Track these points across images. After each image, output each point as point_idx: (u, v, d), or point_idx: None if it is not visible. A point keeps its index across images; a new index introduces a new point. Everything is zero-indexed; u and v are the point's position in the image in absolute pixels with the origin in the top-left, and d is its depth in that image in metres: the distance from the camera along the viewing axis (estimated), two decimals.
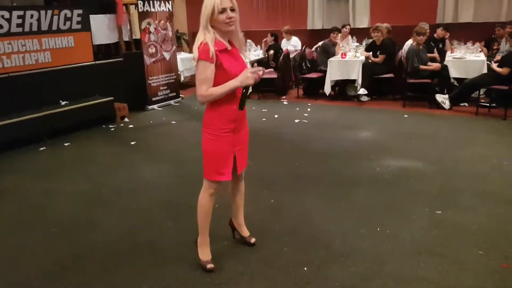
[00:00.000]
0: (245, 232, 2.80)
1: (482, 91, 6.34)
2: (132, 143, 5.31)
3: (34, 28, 5.53)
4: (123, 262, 2.68)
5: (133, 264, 2.66)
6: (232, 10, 2.22)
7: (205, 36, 2.21)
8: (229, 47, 2.30)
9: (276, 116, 6.42)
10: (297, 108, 6.89)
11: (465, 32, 7.79)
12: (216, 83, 2.24)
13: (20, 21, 5.36)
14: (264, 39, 8.42)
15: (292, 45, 8.56)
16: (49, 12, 5.69)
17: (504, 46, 6.96)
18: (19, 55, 5.42)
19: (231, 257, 2.67)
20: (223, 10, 2.18)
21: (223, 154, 2.39)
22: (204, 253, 2.59)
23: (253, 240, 2.77)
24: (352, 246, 2.75)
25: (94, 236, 3.03)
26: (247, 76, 2.19)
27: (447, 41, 7.61)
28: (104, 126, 6.17)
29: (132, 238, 2.98)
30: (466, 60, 6.72)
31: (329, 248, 2.74)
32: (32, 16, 5.48)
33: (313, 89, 7.72)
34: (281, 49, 8.18)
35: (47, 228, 3.18)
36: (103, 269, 2.63)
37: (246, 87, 2.25)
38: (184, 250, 2.76)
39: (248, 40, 8.88)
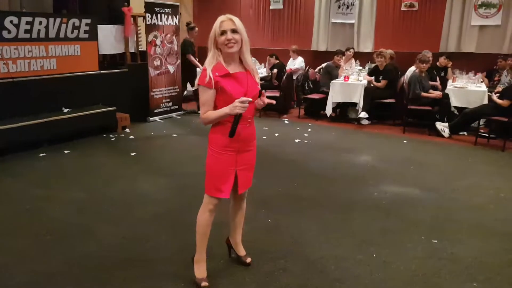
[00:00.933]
0: (242, 252, 2.79)
1: (482, 121, 6.39)
2: (132, 154, 5.32)
3: (42, 35, 5.60)
4: (115, 274, 2.67)
5: (125, 276, 2.65)
6: (235, 31, 2.26)
7: (208, 61, 2.30)
8: (233, 71, 2.31)
9: (276, 134, 6.45)
10: (298, 128, 6.93)
11: (467, 62, 7.89)
12: (220, 107, 2.31)
13: (28, 27, 5.43)
14: (268, 60, 8.50)
15: (296, 64, 8.65)
16: (58, 20, 5.77)
17: (505, 78, 7.05)
18: (25, 61, 5.47)
19: (226, 277, 2.65)
20: (223, 32, 2.25)
21: (224, 172, 2.41)
22: (200, 270, 2.58)
23: (248, 260, 2.76)
24: (347, 272, 2.74)
25: (88, 245, 3.02)
26: (234, 106, 2.20)
27: (449, 70, 7.71)
28: (105, 135, 6.18)
29: (126, 250, 2.97)
30: (467, 89, 6.79)
31: (324, 272, 2.73)
32: (40, 23, 5.56)
33: (315, 110, 7.78)
34: (285, 69, 8.26)
35: (41, 234, 3.17)
36: (94, 279, 2.62)
37: (237, 116, 2.26)
38: (178, 266, 2.75)
39: (252, 58, 8.96)
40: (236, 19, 2.29)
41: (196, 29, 7.95)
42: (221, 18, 2.29)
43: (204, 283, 2.52)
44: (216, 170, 2.42)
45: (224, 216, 2.76)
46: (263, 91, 2.38)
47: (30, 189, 4.11)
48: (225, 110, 2.25)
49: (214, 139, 2.41)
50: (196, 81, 2.35)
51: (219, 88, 2.27)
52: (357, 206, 3.79)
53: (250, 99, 2.25)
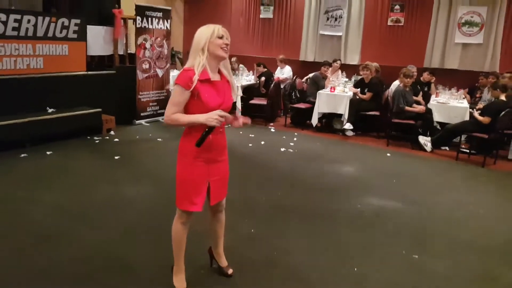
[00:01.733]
0: (223, 262, 2.78)
1: (463, 137, 6.55)
2: (116, 157, 5.27)
3: (30, 33, 5.54)
4: (94, 279, 2.65)
5: (105, 282, 2.63)
6: (227, 40, 2.29)
7: (194, 62, 2.24)
8: (213, 78, 2.29)
9: (262, 142, 6.48)
10: (284, 137, 6.98)
11: (450, 78, 8.09)
12: (190, 111, 2.26)
13: (16, 25, 5.36)
14: (255, 69, 8.55)
15: (283, 73, 8.74)
16: (47, 19, 5.72)
17: (486, 95, 7.24)
18: (11, 59, 5.40)
19: (207, 286, 2.65)
20: (222, 36, 2.26)
21: (196, 183, 2.36)
22: (179, 281, 2.57)
23: (230, 271, 2.76)
24: (329, 283, 2.77)
25: (68, 250, 2.98)
26: (212, 118, 2.17)
27: (432, 85, 7.88)
28: (89, 137, 6.12)
29: (106, 256, 2.94)
30: (449, 105, 6.96)
31: (306, 283, 2.75)
32: (29, 21, 5.50)
33: (301, 119, 7.85)
34: (273, 77, 8.32)
35: (21, 238, 3.12)
36: (75, 283, 2.59)
37: (210, 128, 2.21)
38: (159, 273, 2.74)
39: (241, 65, 9.03)
40: (226, 30, 2.34)
41: None
42: (214, 26, 2.29)
43: None
44: (188, 182, 2.35)
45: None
46: (239, 114, 2.38)
47: (11, 190, 4.04)
48: (200, 118, 2.19)
49: (185, 149, 2.35)
50: (173, 80, 2.32)
51: (196, 92, 2.21)
52: (340, 217, 3.84)
53: (229, 115, 2.25)
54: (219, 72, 2.36)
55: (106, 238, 3.20)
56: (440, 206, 4.27)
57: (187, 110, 2.28)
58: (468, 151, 6.35)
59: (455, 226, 3.81)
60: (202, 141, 2.22)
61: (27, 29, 5.49)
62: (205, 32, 2.26)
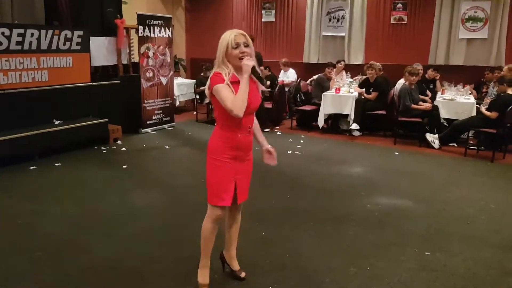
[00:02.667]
0: (236, 266, 2.78)
1: (471, 132, 6.49)
2: (124, 166, 5.29)
3: (33, 47, 5.58)
4: None
5: None
6: (246, 45, 2.33)
7: (220, 70, 2.33)
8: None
9: (269, 146, 6.44)
10: (290, 139, 6.96)
11: (455, 75, 8.04)
12: (222, 111, 2.33)
13: (20, 39, 5.40)
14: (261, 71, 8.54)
15: (287, 76, 8.74)
16: (50, 32, 5.75)
17: (492, 90, 7.18)
18: (16, 73, 5.44)
19: None
20: (237, 46, 2.30)
21: (224, 180, 2.44)
22: (203, 276, 2.61)
23: (243, 274, 2.75)
24: (341, 285, 2.74)
25: (80, 261, 2.98)
26: (244, 64, 2.28)
27: (437, 82, 7.83)
28: (96, 147, 6.15)
29: (118, 266, 2.93)
30: (456, 101, 6.90)
31: (319, 286, 2.73)
32: (32, 34, 5.54)
33: (307, 121, 7.83)
34: (277, 80, 8.32)
35: (32, 251, 3.12)
36: None
37: (254, 70, 2.32)
38: (172, 281, 2.73)
39: None
40: (246, 34, 2.37)
41: None
42: (232, 32, 2.34)
43: None
44: (218, 179, 2.44)
45: (218, 231, 2.75)
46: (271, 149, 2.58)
47: (21, 203, 4.06)
48: (243, 77, 2.28)
49: (213, 148, 2.44)
50: (208, 88, 2.36)
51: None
52: (350, 219, 3.81)
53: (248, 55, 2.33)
54: None
55: (117, 249, 3.19)
56: (450, 203, 4.22)
57: (220, 109, 2.36)
58: (476, 148, 6.27)
59: (466, 223, 3.76)
60: (259, 77, 2.39)
61: (30, 42, 5.53)
62: (223, 43, 2.34)
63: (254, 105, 2.40)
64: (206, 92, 2.40)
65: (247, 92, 2.29)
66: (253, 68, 2.31)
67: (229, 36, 2.31)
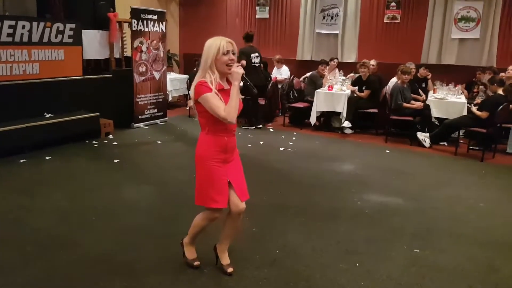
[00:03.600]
0: (225, 260, 2.79)
1: (461, 132, 6.55)
2: (115, 161, 5.26)
3: (25, 39, 5.51)
4: (99, 284, 2.63)
5: (107, 286, 2.61)
6: (233, 53, 2.42)
7: (205, 77, 2.41)
8: (226, 87, 2.47)
9: (261, 142, 6.47)
10: (283, 136, 6.97)
11: (447, 74, 8.09)
12: (210, 117, 2.42)
13: (11, 30, 5.34)
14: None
15: (280, 73, 8.74)
16: (42, 24, 5.69)
17: (484, 81, 7.24)
18: (7, 65, 5.38)
19: (210, 286, 2.64)
20: (227, 52, 2.40)
21: (217, 183, 2.52)
22: (190, 252, 2.80)
23: (230, 269, 2.76)
24: (332, 281, 2.76)
25: (70, 255, 2.96)
26: (235, 71, 2.38)
27: (429, 81, 7.89)
28: (87, 141, 6.10)
29: (109, 260, 2.92)
30: (447, 101, 6.96)
31: (309, 281, 2.74)
32: (23, 26, 5.47)
33: (299, 118, 7.85)
34: (270, 77, 8.31)
35: (22, 245, 3.10)
36: None
37: (244, 80, 2.44)
38: (163, 276, 2.73)
39: None
40: (233, 42, 2.45)
41: None
42: (223, 39, 2.41)
43: (196, 263, 2.77)
44: (210, 182, 2.51)
45: (214, 225, 2.76)
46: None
47: (11, 197, 4.02)
48: (234, 85, 2.39)
49: (203, 154, 2.52)
50: (193, 95, 2.44)
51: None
52: (341, 215, 3.83)
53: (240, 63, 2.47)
54: (227, 80, 2.51)
55: (108, 243, 3.18)
56: (440, 201, 4.26)
57: (207, 116, 2.44)
58: (475, 147, 6.30)
59: (455, 220, 3.80)
60: (252, 88, 2.52)
61: (22, 34, 5.47)
62: (212, 48, 2.40)
63: (239, 109, 2.50)
64: (191, 98, 2.47)
65: (238, 99, 2.41)
66: (242, 75, 2.41)
67: (220, 42, 2.40)
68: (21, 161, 5.08)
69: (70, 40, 6.09)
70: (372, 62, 8.01)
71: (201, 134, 2.55)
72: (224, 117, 2.36)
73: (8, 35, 5.32)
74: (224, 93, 2.44)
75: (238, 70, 2.39)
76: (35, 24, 5.61)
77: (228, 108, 2.37)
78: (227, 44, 2.40)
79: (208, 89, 2.37)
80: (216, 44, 2.39)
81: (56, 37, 5.89)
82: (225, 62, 2.39)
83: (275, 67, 8.94)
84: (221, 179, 2.52)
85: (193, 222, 2.72)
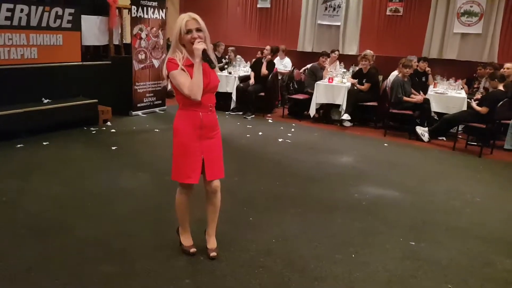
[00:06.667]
0: (210, 244, 2.82)
1: (460, 127, 6.53)
2: (113, 148, 5.24)
3: (23, 23, 5.47)
4: (93, 269, 2.63)
5: (104, 272, 2.61)
6: (199, 30, 2.41)
7: (174, 55, 2.46)
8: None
9: (260, 133, 6.45)
10: (282, 127, 6.95)
11: (448, 69, 8.07)
12: (181, 95, 2.48)
13: (9, 14, 5.29)
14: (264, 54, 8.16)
15: (283, 64, 8.69)
16: (40, 8, 5.64)
17: (484, 85, 7.22)
18: (5, 49, 5.33)
19: (206, 274, 2.65)
20: (189, 31, 2.42)
21: (190, 158, 2.57)
22: (186, 239, 2.82)
23: (213, 254, 2.78)
24: (327, 271, 2.76)
25: (65, 240, 2.96)
26: (195, 48, 2.38)
27: (430, 76, 7.85)
28: (85, 128, 6.08)
29: (104, 245, 2.92)
30: (447, 96, 6.94)
31: (304, 271, 2.75)
32: (22, 10, 5.42)
33: (298, 110, 7.82)
34: (274, 66, 8.24)
35: (17, 229, 3.10)
36: (72, 275, 2.57)
37: (204, 54, 2.39)
38: (159, 262, 2.73)
39: (238, 56, 8.97)
40: (199, 18, 2.45)
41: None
42: (185, 17, 2.44)
43: (192, 249, 2.78)
44: (183, 157, 2.57)
45: (201, 213, 2.76)
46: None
47: (7, 180, 4.01)
48: (196, 61, 2.40)
49: (178, 128, 2.57)
50: (165, 72, 2.48)
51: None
52: (338, 207, 3.83)
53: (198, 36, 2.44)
54: None
55: (104, 228, 3.18)
56: (437, 195, 4.27)
57: (179, 92, 2.48)
58: (473, 143, 6.27)
59: (452, 215, 3.81)
60: (210, 61, 2.43)
61: (20, 18, 5.41)
62: (176, 28, 2.44)
63: (212, 84, 2.52)
64: (164, 76, 2.50)
65: (201, 76, 2.41)
66: (204, 51, 2.39)
67: (182, 21, 2.42)
68: (18, 145, 5.06)
69: (69, 25, 6.04)
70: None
71: (178, 109, 2.60)
72: (188, 94, 2.41)
73: (6, 18, 5.27)
74: (193, 68, 2.43)
75: (198, 46, 2.38)
76: (33, 8, 5.55)
77: (191, 85, 2.40)
78: (188, 22, 2.41)
79: (175, 66, 2.41)
80: (178, 24, 2.43)
81: (54, 21, 5.84)
82: (188, 41, 2.42)
83: (278, 57, 8.88)
84: (195, 155, 2.55)
85: (175, 205, 2.77)
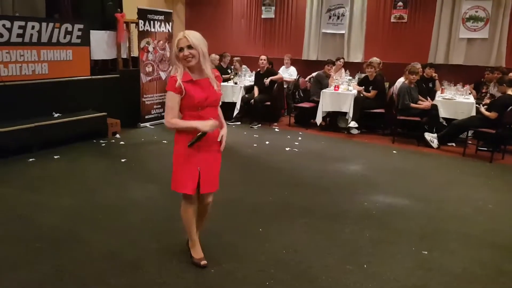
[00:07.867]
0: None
1: (469, 132, 6.49)
2: (122, 160, 5.29)
3: (34, 39, 5.58)
4: (104, 281, 2.65)
5: (115, 284, 2.63)
6: (190, 47, 2.49)
7: (175, 71, 2.57)
8: (196, 78, 2.56)
9: (267, 142, 6.47)
10: (288, 136, 6.96)
11: (455, 74, 8.03)
12: (181, 106, 2.57)
13: (21, 31, 5.40)
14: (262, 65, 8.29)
15: (289, 73, 8.74)
16: (51, 24, 5.75)
17: (492, 90, 7.18)
18: (17, 65, 5.44)
19: (215, 285, 2.65)
20: (181, 49, 2.51)
21: (187, 168, 2.63)
22: (196, 252, 2.85)
23: (203, 263, 2.82)
24: (338, 282, 2.75)
25: (77, 253, 2.99)
26: (206, 125, 2.51)
27: (437, 82, 7.82)
28: (95, 141, 6.14)
29: (115, 257, 2.95)
30: (455, 101, 6.91)
31: (314, 282, 2.74)
32: (33, 27, 5.53)
33: (305, 118, 7.83)
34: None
35: (30, 242, 3.13)
36: (84, 286, 2.59)
37: (203, 133, 2.51)
38: (166, 274, 2.74)
39: (244, 66, 9.03)
40: (191, 35, 2.51)
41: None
42: (178, 35, 2.54)
43: (203, 262, 2.80)
44: (181, 167, 2.64)
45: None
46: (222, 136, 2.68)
47: (20, 195, 4.07)
48: (196, 124, 2.51)
49: (179, 138, 2.64)
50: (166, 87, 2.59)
51: (183, 92, 2.52)
52: (347, 216, 3.82)
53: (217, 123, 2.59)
54: (199, 70, 2.60)
55: (115, 240, 3.20)
56: (448, 202, 4.23)
57: (181, 103, 2.57)
58: (485, 149, 6.21)
59: (464, 222, 3.77)
60: (194, 143, 2.53)
61: (31, 35, 5.52)
62: (173, 46, 2.59)
63: (211, 99, 2.59)
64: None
65: (185, 128, 2.55)
66: (201, 135, 2.51)
67: (176, 40, 2.54)
68: (30, 160, 5.13)
69: (78, 41, 6.15)
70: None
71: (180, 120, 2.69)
72: (165, 119, 2.58)
73: (18, 35, 5.38)
74: (191, 84, 2.53)
75: (207, 127, 2.50)
76: (44, 24, 5.67)
77: (175, 121, 2.54)
78: (180, 41, 2.51)
79: (173, 85, 2.50)
80: (174, 42, 2.56)
81: (64, 37, 5.95)
82: (182, 57, 2.51)
83: (284, 66, 8.93)
84: (191, 165, 2.61)
85: (181, 218, 2.82)
